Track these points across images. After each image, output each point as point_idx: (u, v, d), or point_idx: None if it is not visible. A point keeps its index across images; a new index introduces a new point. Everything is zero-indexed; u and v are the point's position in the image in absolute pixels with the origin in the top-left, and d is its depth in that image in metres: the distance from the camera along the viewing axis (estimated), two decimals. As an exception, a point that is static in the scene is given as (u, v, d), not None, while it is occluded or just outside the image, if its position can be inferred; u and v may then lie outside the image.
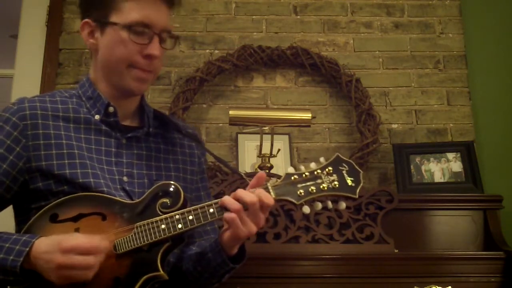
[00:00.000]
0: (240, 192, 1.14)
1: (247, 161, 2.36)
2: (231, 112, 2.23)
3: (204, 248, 1.27)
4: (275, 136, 2.21)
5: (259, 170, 2.18)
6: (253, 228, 1.15)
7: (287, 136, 2.43)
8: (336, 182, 1.18)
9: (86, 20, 1.29)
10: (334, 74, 2.47)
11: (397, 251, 1.90)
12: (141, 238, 1.13)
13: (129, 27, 1.23)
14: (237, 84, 2.54)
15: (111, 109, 1.29)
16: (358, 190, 1.19)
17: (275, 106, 2.50)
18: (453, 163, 2.24)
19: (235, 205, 1.13)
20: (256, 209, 1.13)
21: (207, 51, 2.56)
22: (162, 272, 1.13)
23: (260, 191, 1.15)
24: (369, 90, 2.48)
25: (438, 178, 2.23)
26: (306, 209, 1.18)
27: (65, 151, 1.22)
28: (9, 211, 1.29)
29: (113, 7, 1.24)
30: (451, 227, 2.05)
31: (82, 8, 1.33)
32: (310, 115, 2.23)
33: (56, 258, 1.05)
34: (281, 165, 2.33)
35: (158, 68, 1.31)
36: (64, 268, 1.05)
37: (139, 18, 1.23)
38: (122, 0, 1.24)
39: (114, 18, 1.24)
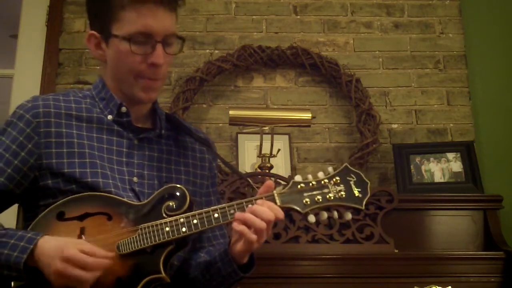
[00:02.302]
0: (258, 209, 1.14)
1: (247, 161, 2.36)
2: (231, 112, 2.24)
3: (213, 257, 1.26)
4: (275, 136, 2.22)
5: (259, 170, 2.19)
6: (264, 239, 1.15)
7: (287, 136, 2.43)
8: (343, 193, 1.17)
9: (91, 32, 1.29)
10: (334, 74, 2.47)
11: (397, 251, 1.90)
12: (145, 240, 1.13)
13: (129, 39, 1.22)
14: (237, 84, 2.54)
15: (123, 109, 1.29)
16: (365, 202, 1.18)
17: (275, 106, 2.50)
18: (453, 163, 2.24)
19: (261, 224, 1.12)
20: (271, 225, 1.14)
21: (207, 51, 2.56)
22: (164, 274, 1.13)
23: (272, 205, 1.15)
24: (369, 90, 2.48)
25: (438, 178, 2.23)
26: (312, 218, 1.18)
27: (76, 150, 1.23)
28: (11, 211, 1.29)
29: (114, 18, 1.23)
30: (451, 227, 2.05)
31: (89, 19, 1.33)
32: (310, 115, 2.24)
33: (55, 264, 1.05)
34: (281, 165, 2.33)
35: (165, 74, 1.30)
36: (61, 276, 1.06)
37: (138, 28, 1.22)
38: (121, 10, 1.22)
39: (115, 30, 1.23)
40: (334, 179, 1.18)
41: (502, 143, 2.47)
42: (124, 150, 1.28)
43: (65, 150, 1.22)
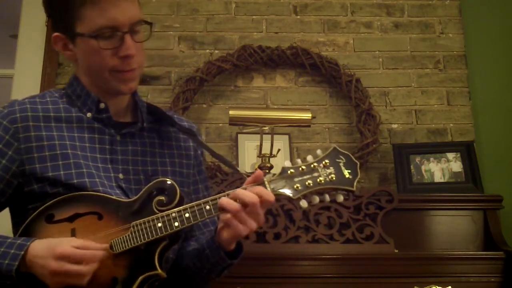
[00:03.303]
0: (240, 192, 1.13)
1: (247, 161, 2.36)
2: (231, 112, 2.24)
3: (201, 245, 1.26)
4: (275, 136, 2.21)
5: (259, 170, 2.18)
6: (253, 225, 1.14)
7: (287, 136, 2.43)
8: (333, 175, 1.15)
9: (56, 34, 1.26)
10: (334, 74, 2.47)
11: (397, 251, 1.90)
12: (138, 238, 1.12)
13: (96, 36, 1.19)
14: (237, 84, 2.54)
15: (102, 105, 1.27)
16: (355, 183, 1.16)
17: (275, 106, 2.50)
18: (453, 163, 2.24)
19: (233, 206, 1.11)
20: (257, 208, 1.12)
21: (207, 51, 2.55)
22: (159, 270, 1.12)
23: (261, 189, 1.13)
24: (369, 90, 2.48)
25: (438, 178, 2.23)
26: (304, 203, 1.15)
27: (58, 152, 1.21)
28: (5, 214, 1.29)
29: (76, 16, 1.20)
30: (451, 227, 2.05)
31: (51, 21, 1.29)
32: (310, 115, 2.24)
33: (49, 264, 1.05)
34: (281, 165, 2.31)
35: (142, 62, 1.27)
36: (58, 275, 1.05)
37: (102, 23, 1.18)
38: (82, 8, 1.19)
39: (79, 29, 1.20)
40: (323, 162, 1.16)
41: (502, 143, 2.47)
42: (107, 147, 1.26)
43: (47, 153, 1.20)
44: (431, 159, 2.26)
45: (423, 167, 2.25)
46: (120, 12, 1.19)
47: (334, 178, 1.15)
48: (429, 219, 2.07)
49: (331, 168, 1.16)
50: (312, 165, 1.16)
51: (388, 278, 1.82)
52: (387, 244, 1.91)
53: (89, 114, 1.28)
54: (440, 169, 2.24)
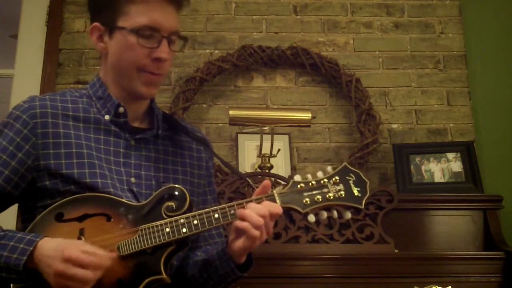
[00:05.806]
0: (253, 206, 1.15)
1: (247, 161, 2.36)
2: (231, 112, 2.24)
3: (211, 256, 1.26)
4: (275, 136, 2.22)
5: (259, 170, 2.18)
6: (265, 237, 1.16)
7: (287, 136, 2.43)
8: (342, 192, 1.18)
9: (95, 24, 1.29)
10: (334, 74, 2.47)
11: (397, 251, 1.90)
12: (145, 241, 1.13)
13: (137, 31, 1.23)
14: (237, 84, 2.54)
15: (121, 109, 1.29)
16: (364, 201, 1.18)
17: (275, 106, 2.50)
18: (453, 163, 2.24)
19: (259, 221, 1.13)
20: (268, 221, 1.15)
21: (207, 51, 2.56)
22: (164, 275, 1.13)
23: (267, 203, 1.16)
24: (369, 90, 2.48)
25: (438, 178, 2.23)
26: (312, 218, 1.19)
27: (74, 150, 1.23)
28: (11, 211, 1.29)
29: (121, 11, 1.24)
30: (451, 227, 2.05)
31: (91, 12, 1.33)
32: (310, 115, 2.24)
33: (55, 264, 1.05)
34: (281, 165, 2.33)
35: (167, 71, 1.31)
36: (62, 277, 1.05)
37: (146, 21, 1.23)
38: (129, 4, 1.24)
39: (121, 23, 1.24)
40: (333, 179, 1.19)
41: (502, 143, 2.47)
42: (121, 150, 1.28)
43: (63, 150, 1.22)
44: (431, 159, 2.26)
45: (423, 167, 2.25)
46: (164, 17, 1.24)
47: (343, 195, 1.18)
48: (429, 219, 2.08)
49: (340, 185, 1.19)
50: (322, 181, 1.19)
51: (388, 278, 1.82)
52: (387, 244, 1.91)
53: (107, 117, 1.29)
54: (440, 169, 2.24)
